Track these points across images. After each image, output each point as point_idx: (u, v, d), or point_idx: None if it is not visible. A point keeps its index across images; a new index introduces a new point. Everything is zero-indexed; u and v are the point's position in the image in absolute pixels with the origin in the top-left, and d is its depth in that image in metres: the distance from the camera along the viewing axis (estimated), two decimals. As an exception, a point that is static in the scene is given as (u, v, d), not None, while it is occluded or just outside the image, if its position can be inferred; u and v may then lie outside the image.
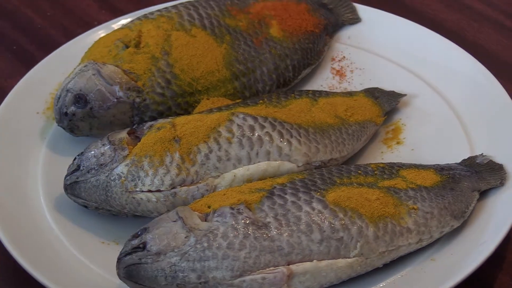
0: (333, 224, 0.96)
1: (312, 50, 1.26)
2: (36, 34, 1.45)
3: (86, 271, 1.02)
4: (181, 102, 1.16)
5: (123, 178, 1.04)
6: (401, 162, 1.09)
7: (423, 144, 1.16)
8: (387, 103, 1.19)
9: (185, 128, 1.05)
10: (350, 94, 1.19)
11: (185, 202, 1.03)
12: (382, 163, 1.08)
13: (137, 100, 1.14)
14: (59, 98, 1.14)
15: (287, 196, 0.98)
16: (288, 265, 0.94)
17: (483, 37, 1.39)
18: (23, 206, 1.09)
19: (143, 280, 0.94)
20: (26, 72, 1.26)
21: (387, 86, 1.23)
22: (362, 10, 1.34)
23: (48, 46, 1.37)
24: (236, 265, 0.93)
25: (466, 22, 1.42)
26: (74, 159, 1.08)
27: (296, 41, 1.25)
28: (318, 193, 0.98)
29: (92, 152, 1.06)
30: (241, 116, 1.07)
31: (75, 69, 1.16)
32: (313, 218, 0.96)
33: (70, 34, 1.37)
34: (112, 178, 1.04)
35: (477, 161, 1.09)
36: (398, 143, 1.17)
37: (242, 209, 0.95)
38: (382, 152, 1.17)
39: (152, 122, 1.09)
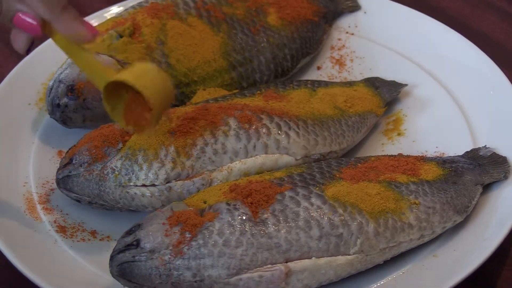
0: (332, 220, 0.94)
1: (311, 39, 1.25)
2: (28, 22, 1.42)
3: (78, 267, 1.01)
4: (176, 93, 1.14)
5: (116, 172, 1.02)
6: (402, 154, 1.07)
7: (425, 135, 1.15)
8: (388, 93, 1.18)
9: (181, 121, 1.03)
10: (350, 84, 1.18)
11: (180, 196, 1.01)
12: (382, 155, 1.06)
13: (132, 91, 1.12)
14: (51, 89, 1.13)
15: (285, 191, 0.95)
16: (286, 262, 0.93)
17: (487, 25, 1.37)
18: (13, 201, 1.07)
19: (137, 278, 0.92)
20: (18, 61, 1.24)
21: (388, 75, 1.21)
22: (363, -3, 1.32)
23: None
24: (233, 263, 0.91)
25: (469, 9, 1.40)
26: (67, 152, 1.06)
27: (295, 30, 1.23)
28: (317, 188, 0.96)
29: (85, 145, 1.04)
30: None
31: (68, 59, 1.14)
32: (312, 214, 0.94)
33: (63, 22, 1.34)
34: (105, 172, 1.02)
35: (480, 154, 1.07)
36: (399, 134, 1.16)
37: (238, 205, 0.93)
38: (382, 144, 1.15)
39: (147, 114, 1.07)
